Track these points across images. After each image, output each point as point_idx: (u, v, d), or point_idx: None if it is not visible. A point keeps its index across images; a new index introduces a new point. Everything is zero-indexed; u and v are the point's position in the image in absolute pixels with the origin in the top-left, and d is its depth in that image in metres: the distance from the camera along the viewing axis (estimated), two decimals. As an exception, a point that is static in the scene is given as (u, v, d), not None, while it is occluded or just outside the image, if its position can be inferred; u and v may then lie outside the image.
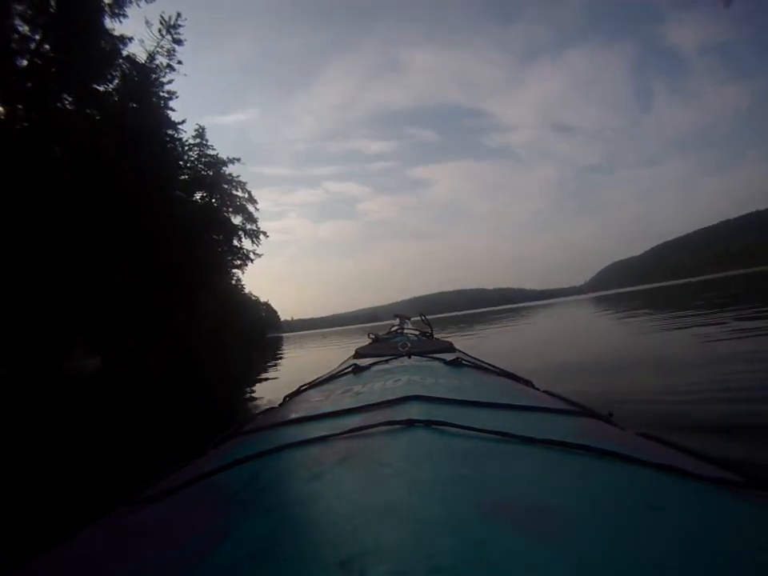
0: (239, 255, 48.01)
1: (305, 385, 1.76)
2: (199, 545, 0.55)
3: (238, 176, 47.34)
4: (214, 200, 41.87)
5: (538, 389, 1.54)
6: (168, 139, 32.33)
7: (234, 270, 51.60)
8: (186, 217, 31.86)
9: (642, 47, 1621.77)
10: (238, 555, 0.50)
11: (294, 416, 1.13)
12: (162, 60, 30.04)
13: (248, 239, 48.68)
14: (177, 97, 32.83)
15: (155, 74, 29.98)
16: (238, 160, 46.58)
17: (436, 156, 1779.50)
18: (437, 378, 1.36)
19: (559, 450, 0.72)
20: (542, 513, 0.51)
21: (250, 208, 49.72)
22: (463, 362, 1.66)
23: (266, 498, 0.65)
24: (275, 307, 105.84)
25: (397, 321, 4.03)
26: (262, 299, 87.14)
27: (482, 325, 19.07)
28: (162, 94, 31.52)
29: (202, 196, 40.27)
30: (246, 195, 49.38)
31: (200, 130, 44.47)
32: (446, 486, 0.58)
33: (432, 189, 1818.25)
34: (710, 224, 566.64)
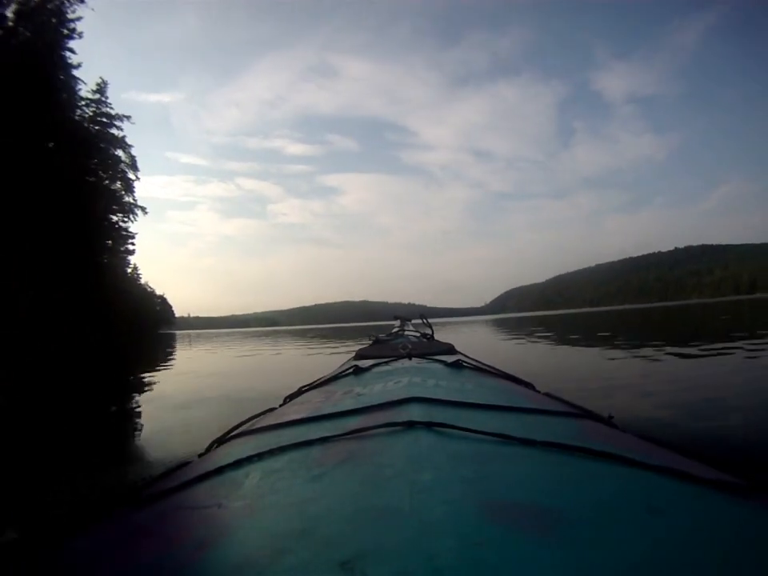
0: (113, 232, 41.71)
1: (305, 385, 1.78)
2: (199, 544, 0.56)
3: (122, 135, 41.29)
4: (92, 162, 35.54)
5: (538, 391, 1.58)
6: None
7: (128, 257, 46.01)
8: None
9: (572, 87, 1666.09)
10: (239, 556, 0.51)
11: (294, 417, 1.15)
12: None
13: (124, 214, 42.64)
14: (80, 37, 27.82)
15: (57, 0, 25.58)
16: (128, 118, 41.09)
17: (352, 165, 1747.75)
18: (437, 379, 1.38)
19: (560, 452, 0.74)
20: (542, 515, 0.52)
21: (131, 175, 43.15)
22: (464, 363, 1.69)
23: (266, 498, 0.67)
24: (171, 301, 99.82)
25: (398, 322, 4.04)
26: (158, 291, 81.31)
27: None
28: (63, 30, 26.22)
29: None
30: (129, 160, 42.68)
31: (101, 85, 39.01)
32: (446, 488, 0.59)
33: (343, 197, 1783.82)
34: (613, 260, 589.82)
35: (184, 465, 1.03)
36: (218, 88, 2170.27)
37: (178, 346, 23.28)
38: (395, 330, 3.79)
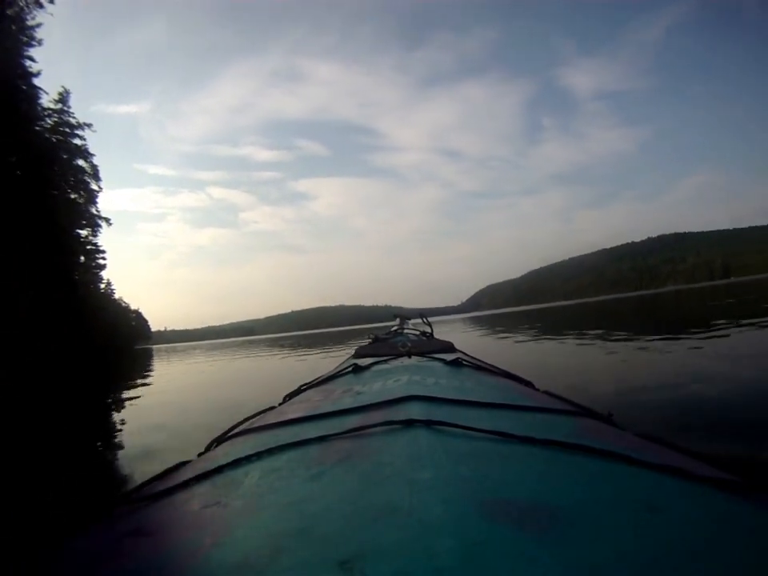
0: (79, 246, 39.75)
1: (305, 384, 1.78)
2: (199, 544, 0.56)
3: (84, 145, 39.48)
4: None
5: (538, 389, 1.58)
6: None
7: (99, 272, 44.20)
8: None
9: (539, 85, 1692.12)
10: (238, 555, 0.51)
11: (293, 415, 1.16)
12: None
13: (92, 229, 41.22)
14: (40, 44, 26.34)
15: (17, 6, 24.69)
16: (89, 126, 39.45)
17: (322, 170, 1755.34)
18: (437, 378, 1.39)
19: (559, 450, 0.75)
20: (542, 513, 0.53)
21: (93, 186, 41.35)
22: (463, 362, 1.70)
23: (266, 497, 0.68)
24: (147, 316, 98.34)
25: (397, 321, 4.06)
26: (133, 306, 79.76)
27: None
28: (22, 38, 25.02)
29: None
30: (90, 169, 40.75)
31: (63, 95, 37.47)
32: (446, 486, 0.59)
33: (315, 202, 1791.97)
34: (585, 252, 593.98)
35: (183, 464, 1.04)
36: (185, 96, 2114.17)
37: (156, 362, 22.96)
38: (394, 328, 3.82)
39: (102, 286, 51.64)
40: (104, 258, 43.53)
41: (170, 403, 6.95)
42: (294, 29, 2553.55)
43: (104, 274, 47.84)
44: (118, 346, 47.01)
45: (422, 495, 0.57)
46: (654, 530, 0.51)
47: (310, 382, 1.80)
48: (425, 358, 1.83)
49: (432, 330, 3.35)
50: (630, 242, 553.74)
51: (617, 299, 67.21)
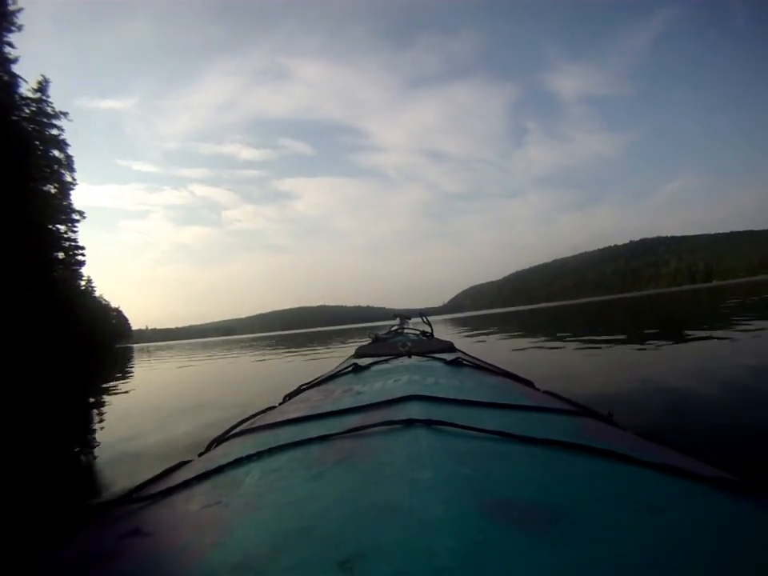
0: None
1: (305, 384, 1.78)
2: (199, 544, 0.57)
3: (59, 134, 37.93)
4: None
5: (538, 389, 1.58)
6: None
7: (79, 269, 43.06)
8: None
9: (525, 88, 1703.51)
10: (238, 554, 0.52)
11: (294, 415, 1.16)
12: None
13: (71, 224, 39.86)
14: (20, 30, 25.69)
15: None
16: (65, 114, 37.95)
17: (306, 170, 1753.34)
18: (437, 377, 1.40)
19: (560, 450, 0.75)
20: (542, 513, 0.53)
21: (68, 178, 39.76)
22: (463, 362, 1.70)
23: (266, 497, 0.68)
24: (127, 314, 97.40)
25: (397, 321, 4.07)
26: (114, 304, 78.93)
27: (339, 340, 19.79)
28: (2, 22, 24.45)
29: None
30: (65, 160, 39.08)
31: (43, 83, 36.39)
32: (446, 486, 0.60)
33: (299, 202, 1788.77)
34: (568, 255, 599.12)
35: (184, 464, 1.04)
36: (170, 93, 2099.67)
37: (136, 361, 22.03)
38: (395, 328, 3.81)
39: (83, 283, 50.67)
40: (83, 255, 42.22)
41: (149, 408, 6.42)
42: (281, 27, 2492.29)
43: (84, 271, 46.86)
44: (98, 344, 46.21)
45: (422, 495, 0.57)
46: (654, 529, 0.51)
47: (310, 382, 1.80)
48: (425, 358, 1.84)
49: (432, 330, 3.35)
50: (612, 245, 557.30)
51: (599, 302, 68.02)
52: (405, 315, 4.26)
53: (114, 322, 75.06)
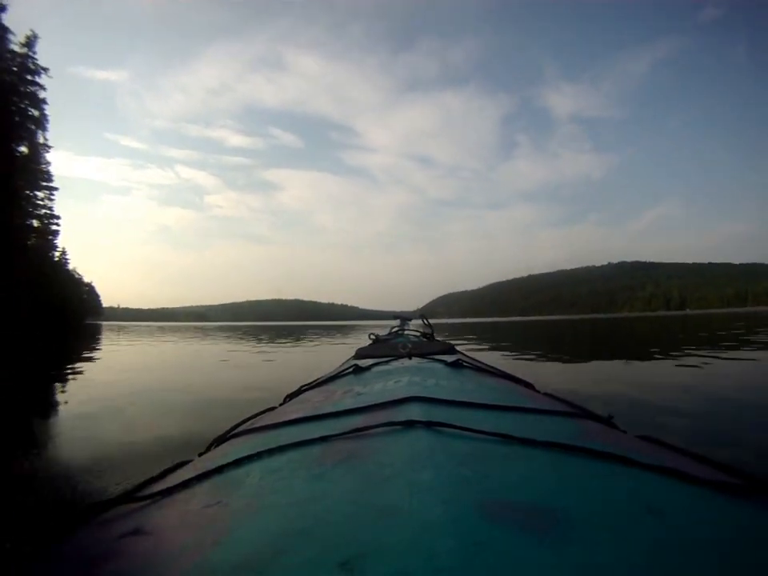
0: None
1: (305, 385, 1.79)
2: (199, 544, 0.57)
3: (36, 90, 35.60)
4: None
5: (538, 391, 1.58)
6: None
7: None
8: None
9: (518, 102, 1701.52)
10: (238, 555, 0.52)
11: (294, 416, 1.16)
12: None
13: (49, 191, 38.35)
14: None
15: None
16: (46, 71, 36.09)
17: (294, 162, 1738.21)
18: (437, 379, 1.40)
19: (560, 452, 0.75)
20: (542, 514, 0.53)
21: (40, 138, 37.46)
22: (464, 363, 1.70)
23: (267, 497, 0.68)
24: (100, 290, 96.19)
25: (397, 322, 4.07)
26: (87, 279, 77.91)
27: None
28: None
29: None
30: (39, 117, 36.58)
31: (31, 38, 35.16)
32: (446, 487, 0.60)
33: (283, 193, 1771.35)
34: (547, 271, 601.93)
35: (184, 463, 1.04)
36: (166, 70, 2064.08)
37: (104, 340, 21.70)
38: (395, 329, 3.83)
39: (56, 254, 49.61)
40: (58, 225, 41.29)
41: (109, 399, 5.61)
42: (283, 16, 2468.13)
43: (59, 242, 45.82)
44: (67, 319, 45.83)
45: (422, 496, 0.57)
46: (654, 531, 0.51)
47: (310, 383, 1.81)
48: (425, 359, 1.83)
49: (433, 331, 3.33)
50: (590, 265, 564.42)
51: (570, 320, 69.43)
52: (405, 317, 4.29)
53: (84, 297, 73.82)
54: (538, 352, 10.75)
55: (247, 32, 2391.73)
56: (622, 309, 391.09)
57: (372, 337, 3.23)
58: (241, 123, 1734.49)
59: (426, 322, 3.67)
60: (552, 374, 7.11)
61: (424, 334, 3.39)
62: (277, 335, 25.70)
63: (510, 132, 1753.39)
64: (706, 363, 7.54)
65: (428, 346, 2.38)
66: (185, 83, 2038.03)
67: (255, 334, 26.60)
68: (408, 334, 3.53)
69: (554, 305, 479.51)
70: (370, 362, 1.89)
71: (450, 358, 1.81)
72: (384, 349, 2.37)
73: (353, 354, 2.52)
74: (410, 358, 1.89)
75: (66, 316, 45.86)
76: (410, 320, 4.28)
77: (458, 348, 2.44)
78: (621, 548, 0.48)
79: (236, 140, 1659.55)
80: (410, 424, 0.85)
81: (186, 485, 0.81)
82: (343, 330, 34.39)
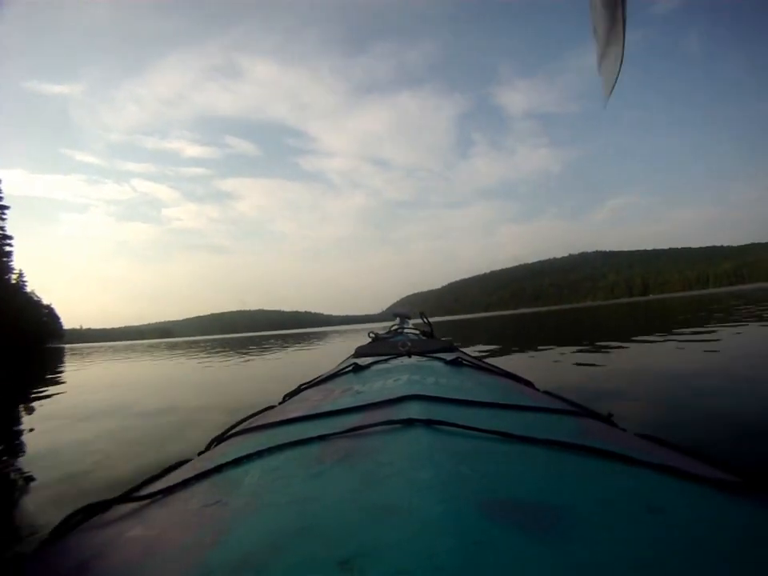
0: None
1: (305, 383, 1.78)
2: (198, 543, 0.57)
3: None
4: None
5: (538, 389, 1.60)
6: None
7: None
8: None
9: (474, 101, 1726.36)
10: (238, 554, 0.52)
11: (293, 414, 1.16)
12: None
13: None
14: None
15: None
16: None
17: (251, 170, 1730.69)
18: (437, 377, 1.40)
19: (559, 451, 0.75)
20: (542, 513, 0.53)
21: None
22: (463, 361, 1.70)
23: (266, 496, 0.68)
24: (60, 312, 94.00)
25: (397, 320, 4.08)
26: (46, 301, 76.11)
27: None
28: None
29: None
30: None
31: None
32: (445, 486, 0.60)
33: (241, 202, 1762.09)
34: (508, 266, 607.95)
35: (183, 462, 1.04)
36: (120, 82, 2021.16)
37: (66, 364, 19.65)
38: (394, 327, 3.82)
39: (13, 277, 48.92)
40: (10, 245, 40.61)
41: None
42: (239, 23, 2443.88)
43: (15, 264, 45.18)
44: (25, 345, 44.55)
45: (421, 495, 0.57)
46: (653, 530, 0.51)
47: (309, 382, 1.80)
48: (425, 358, 1.83)
49: (432, 330, 3.34)
50: (551, 257, 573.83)
51: (535, 313, 70.17)
52: (404, 315, 4.29)
53: (44, 319, 72.25)
54: (499, 345, 10.98)
55: (204, 39, 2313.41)
56: (585, 298, 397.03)
57: (371, 335, 3.20)
58: (197, 133, 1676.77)
59: (425, 320, 3.61)
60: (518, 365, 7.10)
61: (423, 332, 3.41)
62: (241, 345, 25.03)
63: (467, 131, 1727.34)
64: (656, 347, 7.67)
65: (427, 344, 2.39)
66: (140, 94, 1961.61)
67: (220, 348, 25.62)
68: (407, 332, 3.49)
69: (518, 299, 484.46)
70: (369, 360, 1.91)
71: (449, 356, 1.81)
72: (383, 347, 2.37)
73: (352, 353, 2.50)
74: (410, 356, 1.90)
75: (25, 340, 44.78)
76: (410, 318, 4.30)
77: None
78: (621, 546, 0.48)
79: (193, 151, 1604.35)
80: (409, 422, 0.85)
81: (185, 484, 0.82)
82: (307, 339, 33.15)
